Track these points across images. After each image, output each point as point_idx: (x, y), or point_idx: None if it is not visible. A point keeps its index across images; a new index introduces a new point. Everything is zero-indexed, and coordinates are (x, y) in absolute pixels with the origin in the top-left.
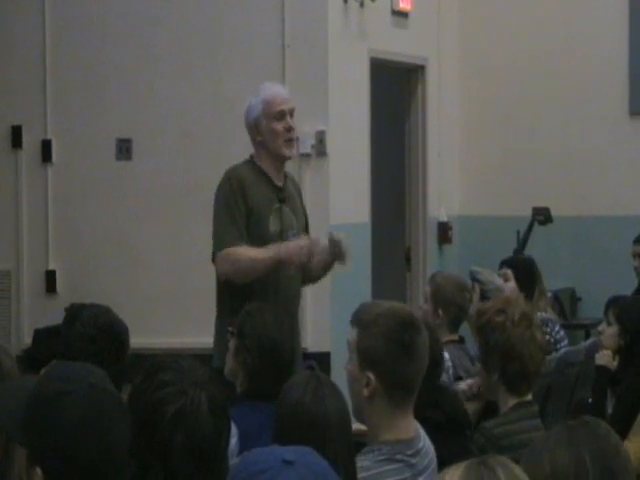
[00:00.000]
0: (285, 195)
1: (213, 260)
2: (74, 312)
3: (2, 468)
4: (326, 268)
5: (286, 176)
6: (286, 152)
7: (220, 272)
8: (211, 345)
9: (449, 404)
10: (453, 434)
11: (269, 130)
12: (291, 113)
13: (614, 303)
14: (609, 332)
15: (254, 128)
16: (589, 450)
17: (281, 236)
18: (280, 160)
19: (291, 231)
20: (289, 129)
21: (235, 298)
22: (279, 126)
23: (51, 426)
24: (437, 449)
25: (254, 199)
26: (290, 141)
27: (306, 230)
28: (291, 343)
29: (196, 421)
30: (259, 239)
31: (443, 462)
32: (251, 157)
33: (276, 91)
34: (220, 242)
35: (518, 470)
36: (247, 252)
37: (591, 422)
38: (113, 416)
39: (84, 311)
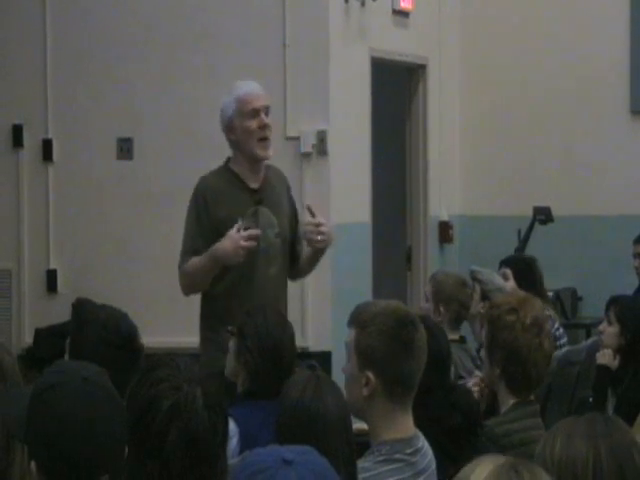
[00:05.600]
0: (262, 196)
1: None
2: (87, 313)
3: (3, 465)
4: (312, 261)
5: (266, 174)
6: (259, 153)
7: (182, 291)
8: None
9: (466, 405)
10: (468, 436)
11: (242, 129)
12: (266, 111)
13: (615, 302)
14: (610, 331)
15: (228, 127)
16: (606, 445)
17: (258, 239)
18: (255, 161)
19: (270, 230)
20: (263, 127)
21: (214, 305)
22: (253, 124)
23: (39, 417)
24: (450, 451)
25: (224, 209)
26: (264, 140)
27: (295, 221)
28: (293, 342)
29: (190, 416)
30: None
31: (457, 464)
32: (227, 160)
33: (249, 89)
34: (179, 264)
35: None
36: (189, 264)
37: (611, 418)
38: (105, 410)
39: (101, 314)
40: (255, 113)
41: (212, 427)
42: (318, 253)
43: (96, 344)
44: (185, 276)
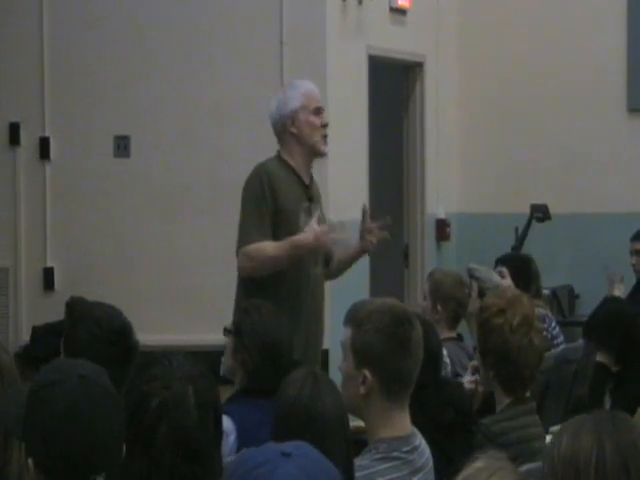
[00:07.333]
0: (312, 194)
1: (237, 255)
2: (80, 311)
3: (1, 463)
4: (349, 263)
5: (312, 175)
6: (323, 148)
7: (240, 269)
8: (207, 342)
9: (458, 400)
10: (461, 432)
11: (308, 123)
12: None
13: (589, 329)
14: (601, 356)
15: (289, 120)
16: (612, 441)
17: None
18: (314, 155)
19: None
20: (325, 125)
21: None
22: (317, 121)
23: (37, 415)
24: (446, 448)
25: (284, 198)
26: (325, 137)
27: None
28: (290, 339)
29: (180, 414)
30: (289, 237)
31: (453, 461)
32: (278, 153)
33: (313, 87)
34: (242, 239)
35: None
36: (264, 249)
37: (619, 415)
38: (102, 408)
39: (94, 311)
40: (319, 111)
41: (203, 425)
42: (358, 256)
43: (90, 341)
44: (252, 259)
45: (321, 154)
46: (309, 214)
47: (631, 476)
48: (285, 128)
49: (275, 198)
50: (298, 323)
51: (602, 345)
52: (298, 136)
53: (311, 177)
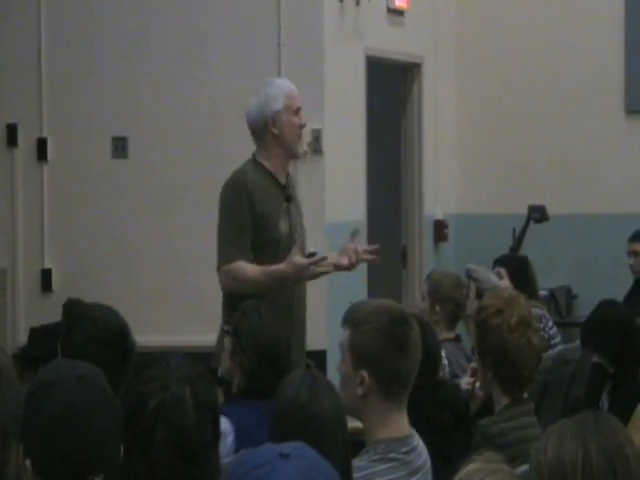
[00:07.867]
0: (290, 193)
1: (218, 269)
2: (77, 312)
3: None
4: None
5: (288, 173)
6: (301, 151)
7: (222, 286)
8: (206, 343)
9: (454, 401)
10: (458, 433)
11: (289, 124)
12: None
13: (585, 332)
14: (598, 357)
15: (270, 120)
16: (596, 443)
17: (290, 236)
18: (292, 157)
19: (300, 229)
20: (303, 126)
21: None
22: (297, 121)
23: (34, 416)
24: (443, 449)
25: (263, 203)
26: (300, 138)
27: None
28: (289, 340)
29: (177, 415)
30: (270, 241)
31: (450, 462)
32: (254, 156)
33: (293, 87)
34: (223, 254)
35: None
36: (247, 272)
37: (603, 416)
38: (100, 408)
39: (91, 312)
40: (299, 111)
41: (201, 426)
42: (333, 270)
43: (87, 342)
44: (234, 278)
45: (299, 156)
46: (288, 215)
47: (618, 477)
48: (266, 128)
49: (253, 205)
50: (289, 327)
51: (599, 348)
52: (280, 137)
53: (287, 175)
